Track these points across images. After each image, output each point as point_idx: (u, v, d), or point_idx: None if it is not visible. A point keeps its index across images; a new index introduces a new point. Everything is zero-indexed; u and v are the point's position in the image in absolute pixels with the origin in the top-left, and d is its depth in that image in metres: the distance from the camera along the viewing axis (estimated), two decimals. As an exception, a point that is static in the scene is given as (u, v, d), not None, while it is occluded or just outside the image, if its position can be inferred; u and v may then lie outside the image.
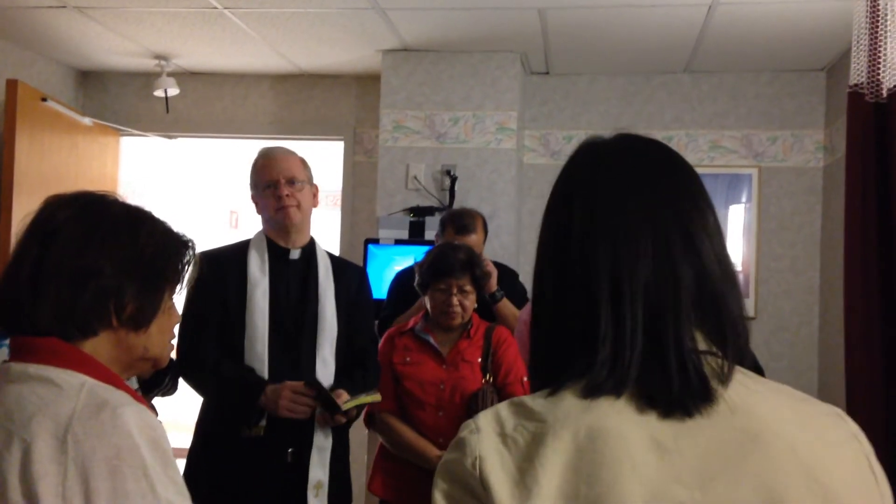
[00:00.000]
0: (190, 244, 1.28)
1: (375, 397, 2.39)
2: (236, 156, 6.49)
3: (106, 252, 1.15)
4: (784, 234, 4.54)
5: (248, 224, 7.04)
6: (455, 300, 2.63)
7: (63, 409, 1.05)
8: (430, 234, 4.11)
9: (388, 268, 4.00)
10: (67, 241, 1.14)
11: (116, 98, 5.01)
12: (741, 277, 4.53)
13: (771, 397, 0.84)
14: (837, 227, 4.21)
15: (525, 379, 2.72)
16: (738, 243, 4.56)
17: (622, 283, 0.83)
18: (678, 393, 0.80)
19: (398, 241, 4.14)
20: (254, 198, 2.43)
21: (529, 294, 3.29)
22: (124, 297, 1.16)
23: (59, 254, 1.13)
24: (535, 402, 0.84)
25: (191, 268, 1.27)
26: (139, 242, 1.18)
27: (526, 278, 3.48)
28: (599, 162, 0.93)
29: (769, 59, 4.35)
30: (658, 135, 4.29)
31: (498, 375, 2.69)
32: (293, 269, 2.42)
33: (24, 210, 3.74)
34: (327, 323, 2.38)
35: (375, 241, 4.13)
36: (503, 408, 0.85)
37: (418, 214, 4.15)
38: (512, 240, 4.27)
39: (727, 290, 0.86)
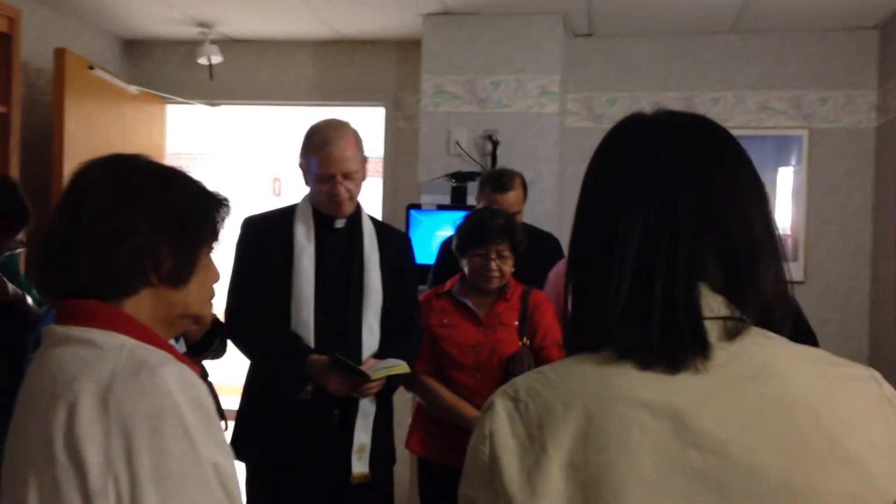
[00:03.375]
0: (224, 201, 1.27)
1: (404, 370, 2.39)
2: (279, 122, 6.54)
3: (138, 210, 1.16)
4: (834, 198, 4.44)
5: (290, 191, 7.10)
6: (494, 265, 2.64)
7: (104, 370, 1.07)
8: (471, 199, 4.11)
9: (430, 233, 4.01)
10: (99, 203, 1.15)
11: (161, 66, 5.07)
12: (789, 242, 4.45)
13: (796, 362, 0.82)
14: (890, 189, 4.11)
15: (561, 341, 2.73)
16: (786, 207, 4.48)
17: (613, 243, 0.83)
18: (658, 343, 0.79)
19: (440, 207, 4.14)
20: (302, 166, 2.43)
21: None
22: (160, 254, 1.16)
23: (92, 215, 1.14)
24: (551, 369, 0.85)
25: (226, 224, 1.27)
26: (171, 199, 1.19)
27: (566, 242, 3.45)
28: (623, 133, 0.92)
29: (819, 18, 4.22)
30: (704, 96, 4.23)
31: (535, 338, 2.69)
32: (338, 237, 2.44)
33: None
34: (372, 290, 2.40)
35: (417, 207, 4.14)
36: (522, 377, 0.86)
37: (460, 180, 4.14)
38: (555, 205, 4.24)
39: (756, 255, 0.85)
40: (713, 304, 0.82)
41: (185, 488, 1.03)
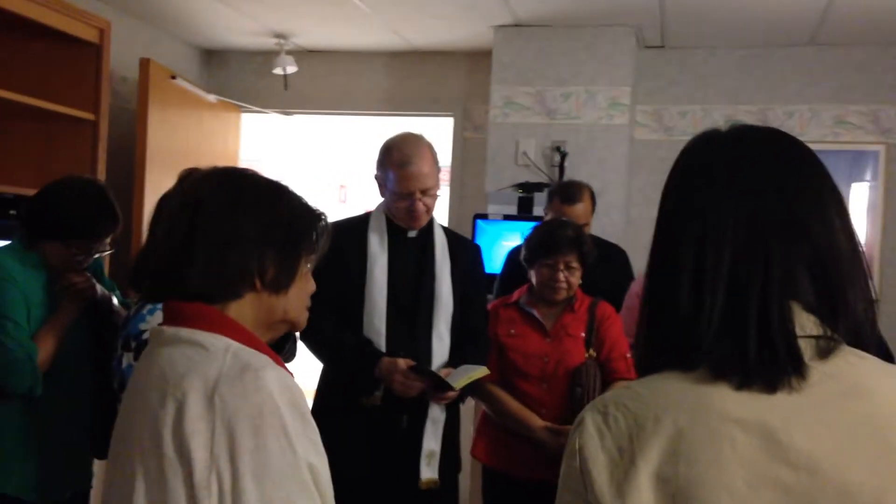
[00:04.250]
0: (322, 216, 1.35)
1: (484, 372, 2.43)
2: (346, 131, 6.65)
3: (249, 220, 1.23)
4: (913, 215, 4.31)
5: (355, 198, 7.21)
6: (562, 276, 2.65)
7: (211, 370, 1.13)
8: (538, 210, 4.12)
9: (496, 243, 4.04)
10: (214, 211, 1.22)
11: (237, 76, 5.22)
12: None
13: (889, 380, 0.82)
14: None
15: (628, 355, 2.72)
16: (861, 223, 4.37)
17: (705, 262, 0.84)
18: (755, 364, 0.80)
19: (507, 217, 4.16)
20: (379, 179, 2.48)
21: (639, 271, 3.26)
22: (266, 261, 1.23)
23: (207, 223, 1.21)
24: (640, 384, 0.87)
25: (324, 238, 1.34)
26: (279, 211, 1.26)
27: (633, 254, 3.45)
28: (704, 149, 0.93)
29: (902, 30, 4.12)
30: (779, 110, 4.14)
31: (601, 351, 2.69)
32: (411, 246, 2.48)
33: (156, 184, 3.94)
34: (443, 299, 2.44)
35: (484, 217, 4.17)
36: (610, 393, 0.88)
37: (527, 190, 4.16)
38: (622, 216, 4.22)
39: (843, 272, 0.85)
40: (806, 324, 0.83)
41: (283, 485, 1.09)
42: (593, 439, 0.83)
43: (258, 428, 1.09)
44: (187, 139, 4.34)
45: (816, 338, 0.82)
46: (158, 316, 1.75)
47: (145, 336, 1.73)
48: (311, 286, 1.35)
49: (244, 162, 5.39)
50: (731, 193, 0.87)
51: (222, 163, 5.05)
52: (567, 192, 3.25)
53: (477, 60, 4.83)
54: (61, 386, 2.25)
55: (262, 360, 1.17)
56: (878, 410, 0.79)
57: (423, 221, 2.45)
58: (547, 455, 2.57)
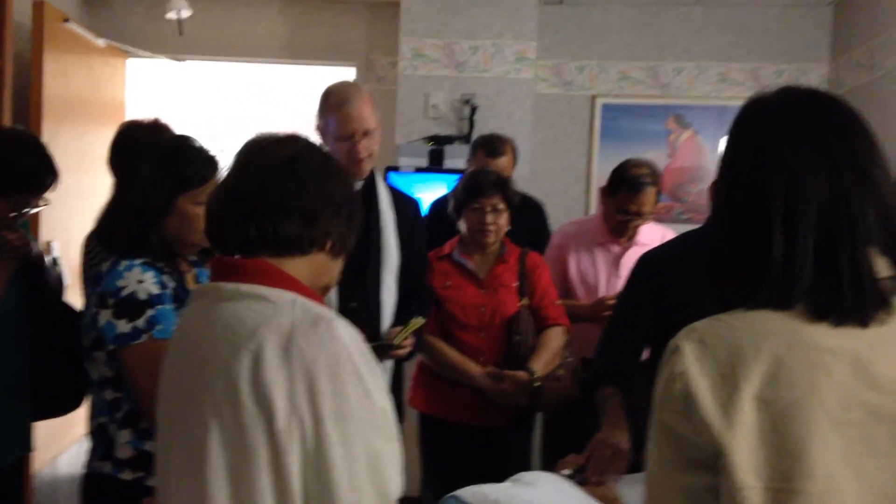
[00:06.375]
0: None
1: (419, 322, 2.48)
2: (243, 80, 6.43)
3: (326, 191, 1.28)
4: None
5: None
6: (489, 218, 2.75)
7: (283, 321, 1.16)
8: (449, 162, 4.19)
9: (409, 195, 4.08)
10: (280, 180, 1.25)
11: (124, 20, 4.94)
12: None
13: None
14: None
15: (558, 301, 2.87)
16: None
17: (794, 213, 0.96)
18: (850, 304, 0.93)
19: (418, 170, 4.21)
20: (320, 128, 2.47)
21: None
22: (339, 227, 1.30)
23: (272, 190, 1.25)
24: (733, 318, 0.97)
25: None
26: (337, 181, 1.31)
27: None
28: (772, 108, 1.04)
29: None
30: (669, 66, 4.39)
31: (533, 298, 2.83)
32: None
33: (52, 135, 3.70)
34: (391, 252, 2.48)
35: (396, 169, 4.20)
36: (701, 324, 0.98)
37: (438, 143, 4.21)
38: (526, 169, 4.36)
39: None
40: (881, 266, 0.96)
41: (362, 429, 1.14)
42: (694, 365, 0.94)
43: (336, 375, 1.14)
44: (79, 87, 4.11)
45: (891, 278, 0.96)
46: (137, 272, 1.72)
47: (124, 293, 1.69)
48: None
49: (132, 110, 5.14)
50: (811, 150, 0.98)
51: (112, 111, 4.78)
52: (490, 145, 3.35)
53: (378, 10, 4.79)
54: (-3, 348, 2.16)
55: (330, 312, 1.22)
56: None
57: (367, 168, 2.46)
58: (487, 399, 2.70)
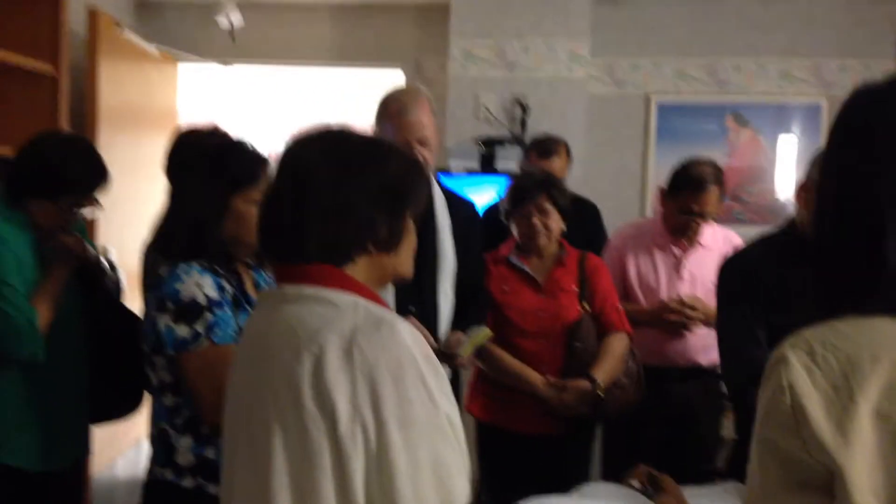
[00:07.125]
0: (419, 166, 1.35)
1: (487, 335, 2.42)
2: (294, 85, 6.46)
3: (359, 186, 1.22)
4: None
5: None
6: (536, 220, 2.67)
7: (345, 324, 1.13)
8: (501, 164, 4.13)
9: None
10: (324, 180, 1.21)
11: (174, 27, 4.98)
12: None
13: None
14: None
15: (619, 306, 2.78)
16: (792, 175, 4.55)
17: None
18: None
19: (469, 171, 4.16)
20: (377, 135, 2.43)
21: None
22: (378, 225, 1.23)
23: (318, 192, 1.20)
24: (845, 325, 0.89)
25: (422, 187, 1.34)
26: (386, 171, 1.25)
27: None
28: (883, 100, 0.95)
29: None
30: (726, 62, 4.26)
31: (593, 303, 2.74)
32: None
33: (108, 144, 3.74)
34: (447, 256, 2.43)
35: (446, 171, 4.15)
36: (810, 332, 0.90)
37: (489, 145, 4.15)
38: (580, 171, 4.27)
39: None
40: None
41: (426, 434, 1.10)
42: (803, 376, 0.86)
43: (399, 379, 1.10)
44: (133, 94, 4.14)
45: None
46: (196, 276, 1.69)
47: (183, 297, 1.66)
48: (414, 237, 1.34)
49: (185, 115, 5.18)
50: (891, 148, 0.90)
51: (165, 118, 4.82)
52: (542, 146, 3.28)
53: (429, 11, 4.75)
54: (57, 352, 2.16)
55: (393, 315, 1.18)
56: None
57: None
58: (547, 409, 2.62)
